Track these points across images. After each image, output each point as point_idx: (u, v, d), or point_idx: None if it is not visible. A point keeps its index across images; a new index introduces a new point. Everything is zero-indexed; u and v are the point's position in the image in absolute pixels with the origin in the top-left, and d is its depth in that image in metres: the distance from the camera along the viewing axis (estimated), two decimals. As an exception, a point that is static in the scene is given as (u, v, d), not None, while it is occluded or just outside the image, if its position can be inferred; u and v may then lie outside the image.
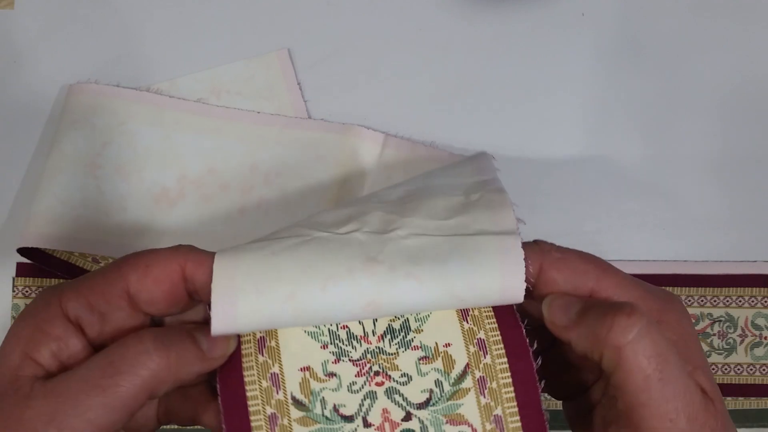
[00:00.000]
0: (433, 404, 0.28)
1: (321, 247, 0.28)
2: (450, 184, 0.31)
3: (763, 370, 0.45)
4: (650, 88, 0.46)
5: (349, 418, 0.28)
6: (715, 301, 0.45)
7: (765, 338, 0.45)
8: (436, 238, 0.28)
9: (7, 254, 0.44)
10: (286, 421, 0.27)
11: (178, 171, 0.44)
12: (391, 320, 0.29)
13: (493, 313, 0.29)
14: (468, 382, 0.28)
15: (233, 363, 0.28)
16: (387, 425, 0.27)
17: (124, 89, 0.45)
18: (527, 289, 0.28)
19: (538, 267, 0.28)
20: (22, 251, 0.42)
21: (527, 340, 0.28)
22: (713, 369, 0.45)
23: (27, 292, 0.44)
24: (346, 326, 0.29)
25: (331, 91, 0.45)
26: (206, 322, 0.28)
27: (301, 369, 0.28)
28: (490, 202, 0.29)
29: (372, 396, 0.28)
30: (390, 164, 0.44)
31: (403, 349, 0.28)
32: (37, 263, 0.43)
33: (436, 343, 0.28)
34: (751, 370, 0.45)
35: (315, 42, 0.46)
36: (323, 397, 0.28)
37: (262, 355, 0.28)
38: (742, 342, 0.45)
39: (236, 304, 0.27)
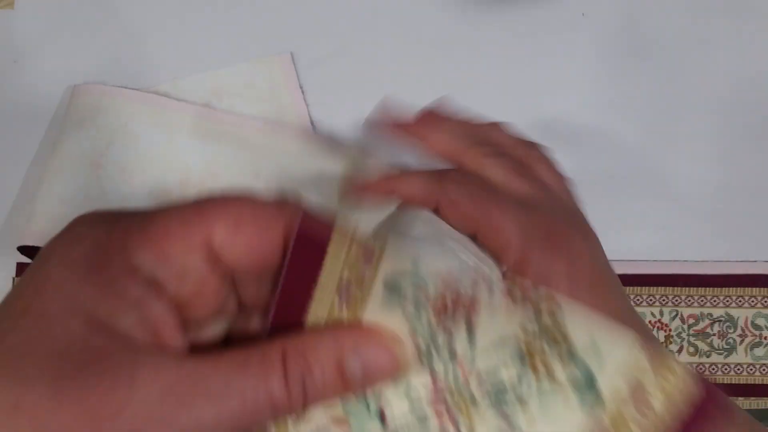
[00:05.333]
0: None
1: None
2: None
3: (763, 370, 0.45)
4: (650, 88, 0.46)
5: None
6: (715, 301, 0.45)
7: (765, 338, 0.45)
8: None
9: (7, 254, 0.44)
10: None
11: (181, 174, 0.44)
12: None
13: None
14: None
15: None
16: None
17: (129, 90, 0.45)
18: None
19: (434, 203, 0.29)
20: (22, 250, 0.42)
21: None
22: (713, 369, 0.45)
23: (28, 292, 0.44)
24: None
25: (331, 92, 0.45)
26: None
27: None
28: None
29: None
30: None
31: None
32: (38, 263, 0.43)
33: None
34: (751, 370, 0.45)
35: (315, 43, 0.46)
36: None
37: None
38: (742, 342, 0.45)
39: None
